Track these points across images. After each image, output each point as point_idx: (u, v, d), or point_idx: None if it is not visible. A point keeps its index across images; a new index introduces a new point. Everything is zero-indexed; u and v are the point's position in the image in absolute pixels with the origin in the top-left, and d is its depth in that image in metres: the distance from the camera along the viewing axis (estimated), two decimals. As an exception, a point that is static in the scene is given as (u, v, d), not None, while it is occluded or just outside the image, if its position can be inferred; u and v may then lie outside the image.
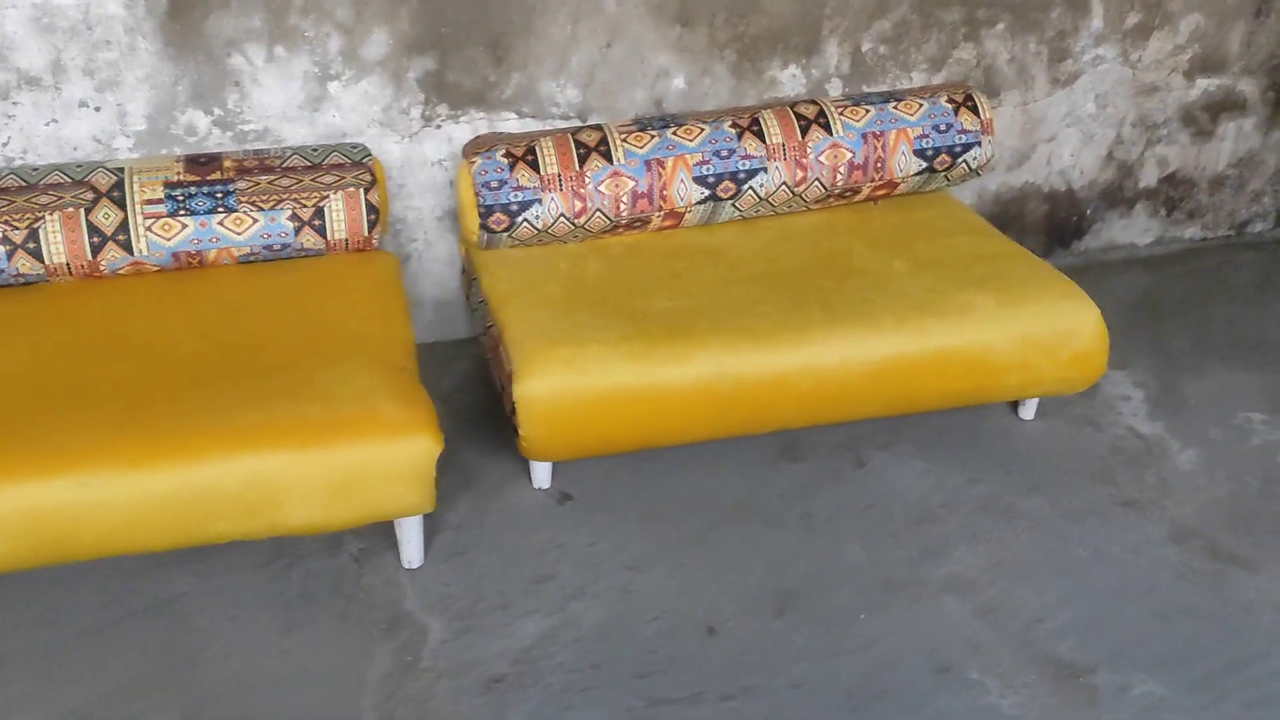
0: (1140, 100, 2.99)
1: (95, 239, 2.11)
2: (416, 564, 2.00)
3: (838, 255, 2.37)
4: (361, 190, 2.24)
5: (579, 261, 2.33)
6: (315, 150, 2.27)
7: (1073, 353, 2.23)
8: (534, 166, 2.27)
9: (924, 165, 2.49)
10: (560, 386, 1.98)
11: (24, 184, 2.11)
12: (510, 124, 2.52)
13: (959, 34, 2.73)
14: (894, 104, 2.48)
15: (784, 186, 2.42)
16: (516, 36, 2.41)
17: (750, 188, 2.40)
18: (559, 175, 2.28)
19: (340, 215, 2.23)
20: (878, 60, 2.70)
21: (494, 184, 2.26)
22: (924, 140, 2.47)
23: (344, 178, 2.23)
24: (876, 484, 2.26)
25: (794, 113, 2.43)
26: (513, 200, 2.27)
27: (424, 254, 2.61)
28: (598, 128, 2.36)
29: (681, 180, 2.35)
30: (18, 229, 2.07)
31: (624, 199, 2.32)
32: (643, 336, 2.07)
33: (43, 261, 2.10)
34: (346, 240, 2.26)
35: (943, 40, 2.73)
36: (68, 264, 2.12)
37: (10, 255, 2.07)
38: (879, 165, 2.46)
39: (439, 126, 2.47)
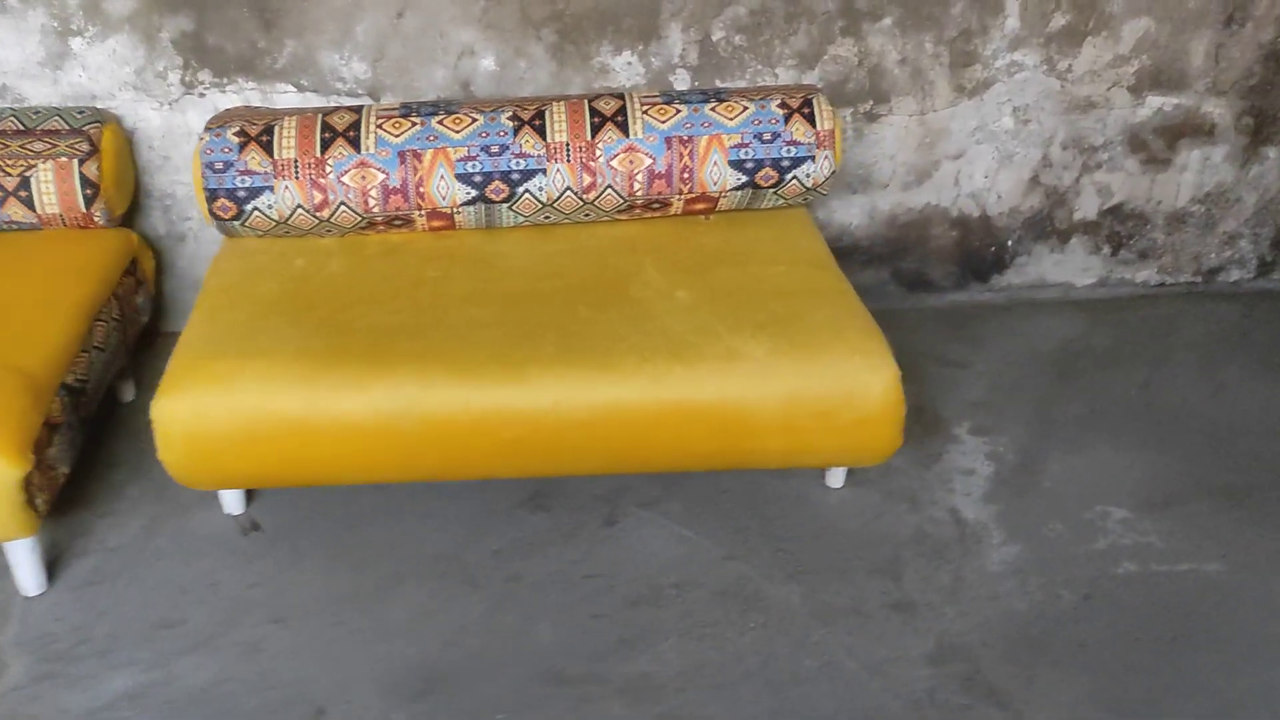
0: (1072, 118, 2.54)
1: None
2: (34, 591, 1.79)
3: (620, 277, 2.05)
4: (75, 161, 2.03)
5: (321, 259, 2.08)
6: (37, 113, 2.08)
7: (854, 420, 1.86)
8: (268, 149, 2.02)
9: (744, 179, 2.14)
10: (203, 407, 1.73)
11: None
12: (289, 98, 2.27)
13: (834, 27, 2.35)
14: (713, 105, 2.13)
15: (570, 193, 2.11)
16: (287, -1, 2.17)
17: (528, 191, 2.10)
18: (295, 161, 2.03)
19: (51, 188, 2.03)
20: (733, 52, 2.34)
21: (219, 165, 2.01)
22: (743, 150, 2.11)
23: (57, 145, 2.03)
24: (615, 549, 1.95)
25: (590, 108, 2.12)
26: (239, 185, 2.02)
27: (200, 234, 2.39)
28: (356, 110, 2.09)
29: (442, 177, 2.06)
30: None
31: (373, 193, 2.05)
32: (327, 355, 1.80)
33: None
34: (62, 216, 2.07)
35: (815, 33, 2.34)
36: None
37: None
38: (686, 176, 2.12)
39: (203, 95, 2.23)
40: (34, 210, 2.03)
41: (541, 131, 2.08)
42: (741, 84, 2.39)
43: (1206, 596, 1.90)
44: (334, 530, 1.97)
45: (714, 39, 2.32)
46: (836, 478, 2.12)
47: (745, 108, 2.13)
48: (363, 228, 2.11)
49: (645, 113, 2.11)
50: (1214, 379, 2.49)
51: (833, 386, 1.84)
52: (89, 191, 2.04)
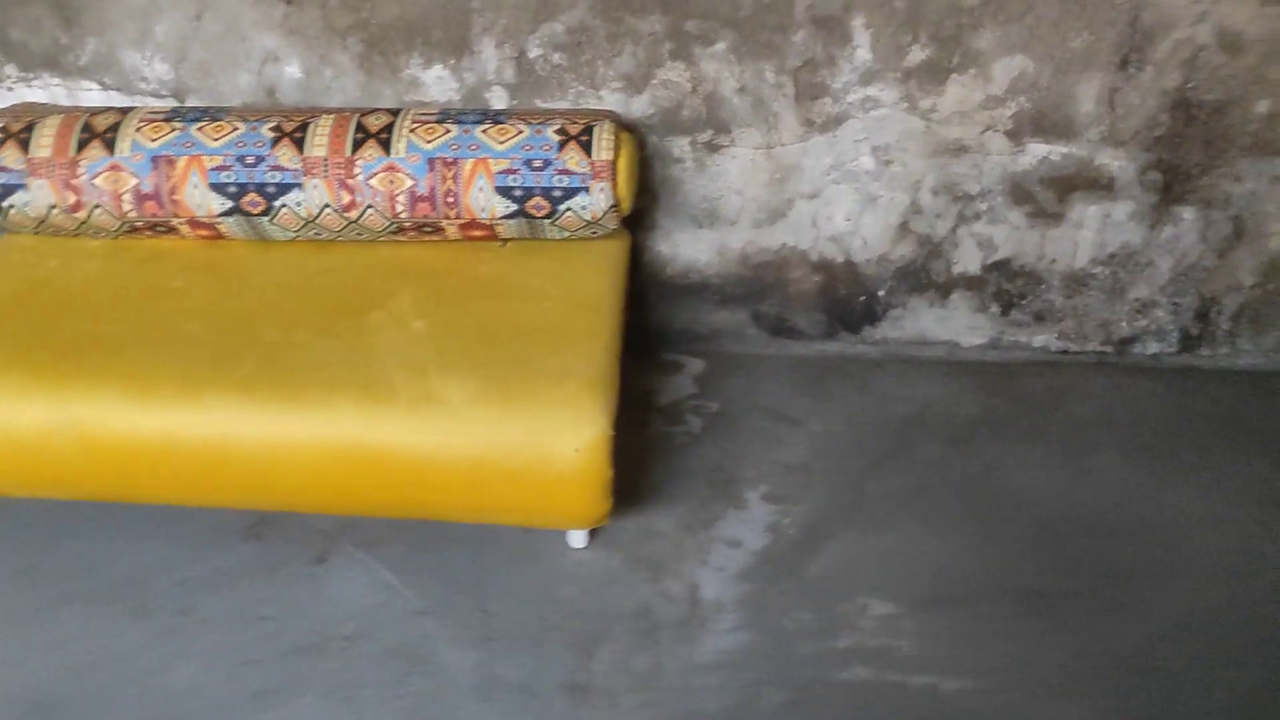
0: (941, 161, 2.29)
1: None
2: None
3: (367, 302, 1.95)
4: None
5: (77, 261, 2.05)
6: None
7: (545, 481, 1.71)
8: (25, 147, 2.00)
9: (514, 207, 2.00)
10: None
11: None
12: (93, 95, 2.25)
13: (662, 49, 2.17)
14: (487, 127, 2.00)
15: (330, 210, 2.01)
16: (85, -4, 2.14)
17: (286, 205, 2.01)
18: (50, 161, 2.00)
19: None
20: (552, 71, 2.20)
21: (-23, 162, 2.01)
22: (511, 176, 1.98)
23: None
24: (308, 590, 1.85)
25: (358, 123, 2.02)
26: (-4, 182, 2.01)
27: None
28: (124, 110, 2.05)
29: (195, 186, 2.00)
30: None
31: (127, 198, 2.01)
32: (6, 362, 1.76)
33: None
34: None
35: (641, 56, 2.18)
36: None
37: None
38: (451, 200, 1.99)
39: (10, 89, 2.24)
40: None
41: (301, 145, 1.99)
42: (564, 105, 2.24)
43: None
44: (36, 542, 1.93)
45: (530, 56, 2.19)
46: (578, 537, 1.96)
47: (520, 132, 1.99)
48: (125, 233, 2.08)
49: (412, 131, 2.00)
50: (1078, 464, 2.21)
51: (524, 442, 1.70)
52: None
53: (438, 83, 2.22)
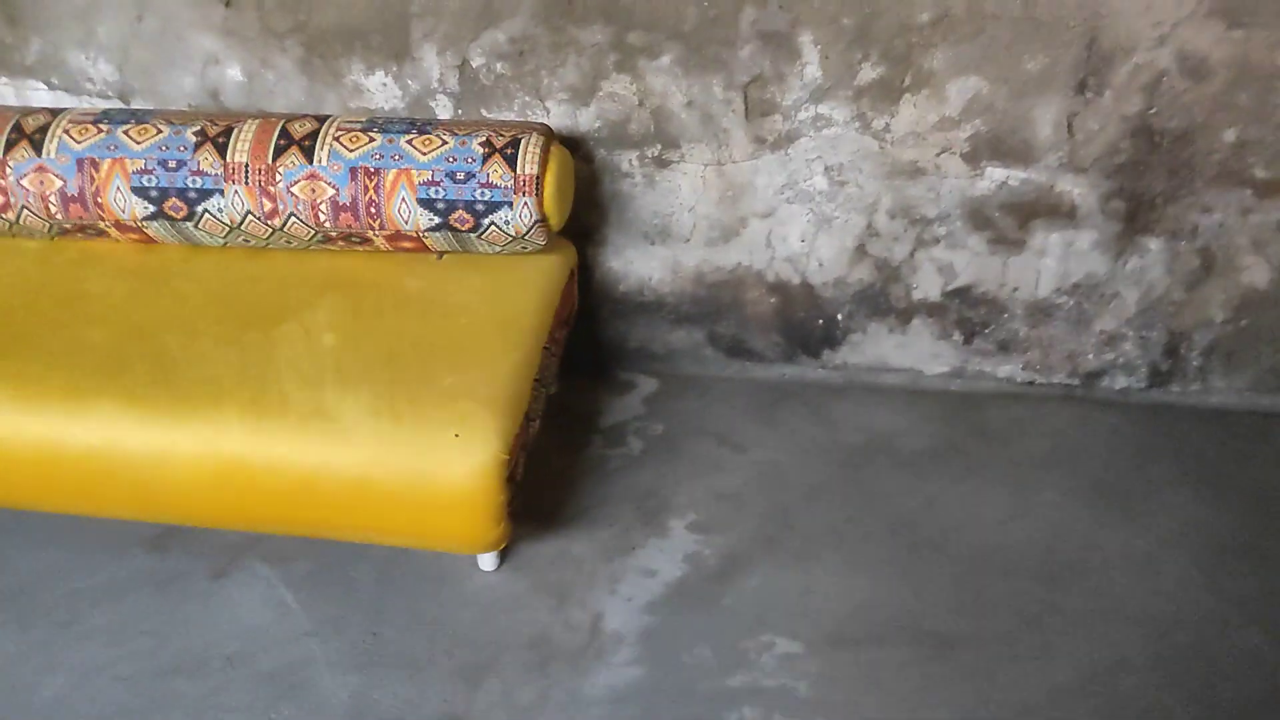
0: (897, 184, 2.21)
1: None
2: None
3: (283, 312, 1.92)
4: None
5: (4, 260, 2.05)
6: None
7: (436, 505, 1.67)
8: (-45, 145, 2.01)
9: (437, 220, 1.96)
10: None
11: None
12: (40, 95, 2.25)
13: (607, 61, 2.12)
14: (412, 137, 1.96)
15: (253, 217, 1.99)
16: (27, -5, 2.14)
17: (208, 211, 1.99)
18: (-24, 161, 2.00)
19: None
20: (496, 80, 2.16)
21: (-91, 159, 2.02)
22: (434, 189, 1.94)
23: None
24: (200, 606, 1.82)
25: (283, 129, 1.99)
26: (-76, 180, 2.02)
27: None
28: (56, 112, 2.04)
29: (119, 189, 1.98)
30: None
31: (53, 199, 2.00)
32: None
33: None
34: None
35: (585, 67, 2.13)
36: None
37: None
38: (373, 211, 1.96)
39: (-41, 86, 2.25)
40: None
41: (223, 150, 1.97)
42: (510, 115, 2.20)
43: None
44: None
45: (473, 64, 2.15)
46: (487, 560, 1.91)
47: (444, 143, 1.95)
48: (64, 233, 2.07)
49: (336, 139, 1.97)
50: (1022, 501, 2.12)
51: (411, 463, 1.66)
52: None
53: (381, 89, 2.19)
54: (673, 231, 2.32)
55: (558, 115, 2.19)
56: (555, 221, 2.01)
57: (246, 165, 1.96)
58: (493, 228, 1.97)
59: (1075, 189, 2.18)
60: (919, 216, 2.25)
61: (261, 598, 1.83)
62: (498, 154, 1.94)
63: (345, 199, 1.95)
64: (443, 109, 2.20)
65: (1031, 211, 2.22)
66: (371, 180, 1.94)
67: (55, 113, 2.04)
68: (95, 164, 1.98)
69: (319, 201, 1.96)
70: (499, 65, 2.15)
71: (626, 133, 2.20)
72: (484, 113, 2.20)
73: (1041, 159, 2.16)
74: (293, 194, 1.96)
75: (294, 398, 1.71)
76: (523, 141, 1.95)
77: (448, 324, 1.91)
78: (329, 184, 1.95)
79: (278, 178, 1.96)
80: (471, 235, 1.98)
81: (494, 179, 1.93)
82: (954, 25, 2.03)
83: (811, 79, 2.11)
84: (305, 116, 2.02)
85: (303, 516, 1.71)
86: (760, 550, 1.98)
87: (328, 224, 1.98)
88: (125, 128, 2.00)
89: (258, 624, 1.78)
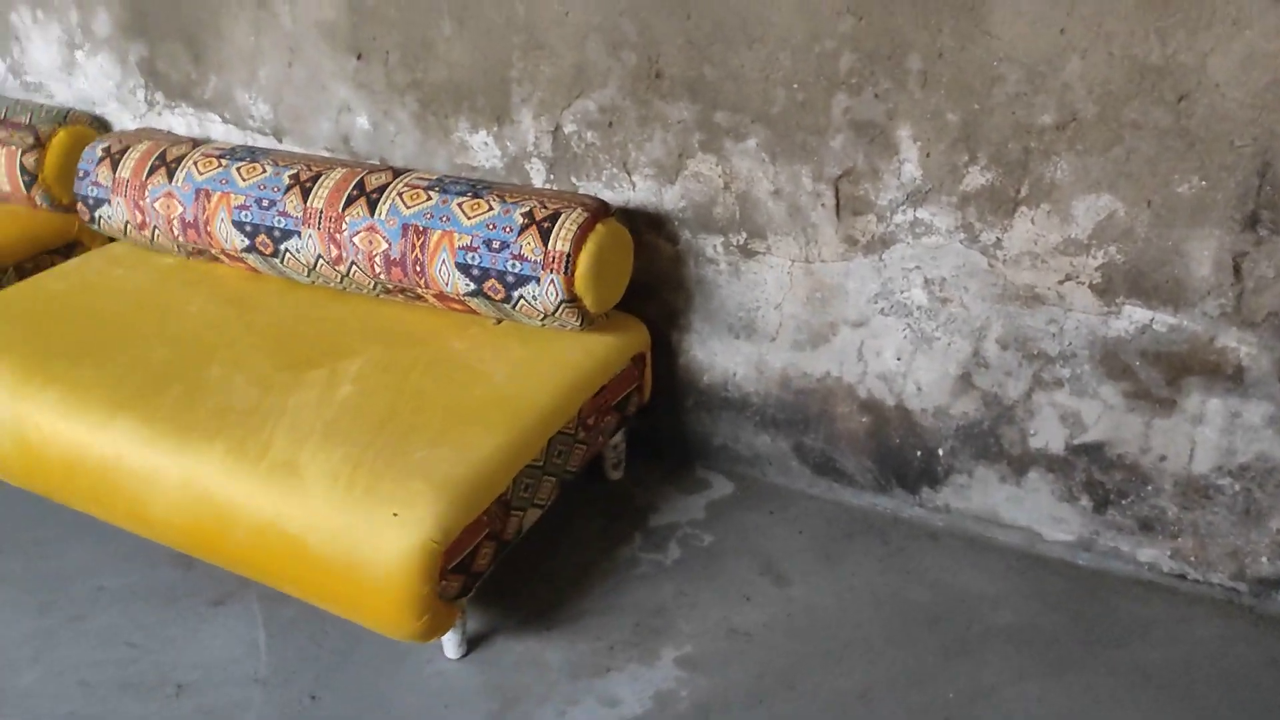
0: (1010, 310, 1.87)
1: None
2: None
3: (320, 357, 1.99)
4: (19, 151, 2.45)
5: (138, 273, 2.30)
6: (48, 113, 2.52)
7: (367, 584, 1.63)
8: (115, 166, 2.27)
9: (473, 286, 1.94)
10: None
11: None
12: (215, 126, 2.50)
13: (692, 139, 1.99)
14: (464, 200, 1.95)
15: (323, 261, 2.08)
16: (209, 36, 2.39)
17: (289, 250, 2.10)
18: (128, 181, 2.25)
19: (3, 171, 2.48)
20: (586, 149, 2.10)
21: (82, 174, 2.32)
22: (471, 254, 1.92)
23: (12, 135, 2.47)
24: (185, 630, 1.92)
25: (360, 181, 2.05)
26: (90, 194, 2.31)
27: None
28: (196, 144, 2.25)
29: (223, 220, 2.15)
30: None
31: (176, 224, 2.21)
32: None
33: None
34: (10, 193, 2.51)
35: (671, 143, 2.01)
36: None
37: None
38: (419, 269, 1.97)
39: (160, 114, 2.55)
40: (-5, 184, 2.52)
41: (306, 194, 2.07)
42: (597, 185, 2.13)
43: None
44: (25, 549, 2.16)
45: (566, 131, 2.11)
46: (451, 646, 1.84)
47: (490, 209, 1.93)
48: (191, 253, 2.28)
49: (400, 195, 2.01)
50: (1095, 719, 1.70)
51: (348, 534, 1.64)
52: (27, 178, 2.47)
53: (484, 149, 2.22)
54: (758, 327, 2.13)
55: (643, 191, 2.10)
56: (592, 303, 1.92)
57: (321, 211, 2.06)
58: (522, 301, 1.92)
59: (1243, 347, 1.74)
60: (1037, 352, 1.90)
61: (239, 634, 1.91)
62: (535, 226, 1.89)
63: (396, 254, 2.00)
64: (536, 173, 2.19)
65: (1184, 366, 1.80)
66: (419, 239, 1.97)
67: (197, 144, 2.27)
68: (208, 195, 2.17)
69: (375, 254, 2.02)
70: (589, 134, 2.09)
71: (711, 216, 2.06)
72: (574, 180, 2.16)
73: (1197, 304, 1.74)
74: (354, 243, 2.03)
75: (275, 446, 1.76)
76: (563, 216, 1.89)
77: (462, 393, 1.88)
78: (384, 237, 2.00)
79: (344, 226, 2.04)
80: (506, 305, 1.95)
81: (525, 252, 1.88)
82: (1083, 132, 1.70)
83: (910, 178, 1.85)
84: (386, 169, 2.09)
85: (258, 564, 1.76)
86: (744, 707, 1.75)
87: (382, 276, 2.04)
88: (240, 165, 2.18)
89: (222, 658, 1.86)
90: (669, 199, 2.09)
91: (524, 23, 2.05)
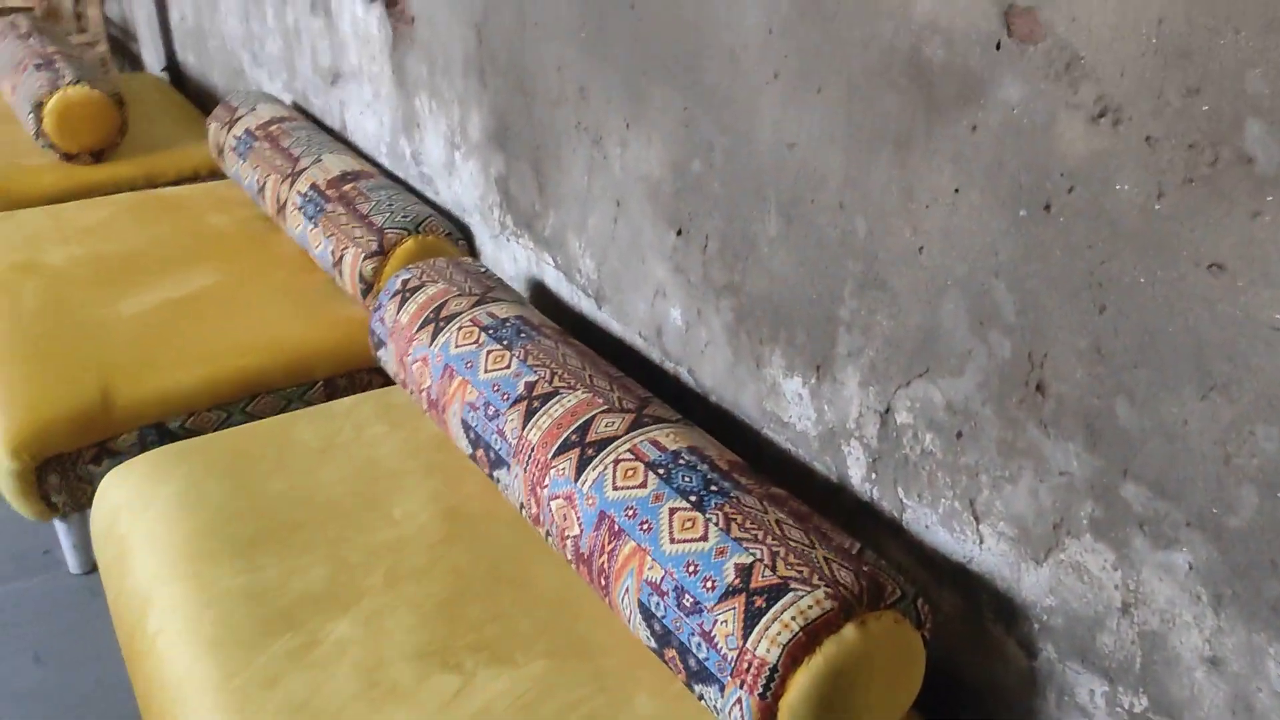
0: None
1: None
2: None
3: (478, 648, 1.46)
4: (362, 255, 2.24)
5: (397, 432, 1.94)
6: (406, 215, 2.30)
7: None
8: (401, 305, 1.94)
9: (654, 644, 1.28)
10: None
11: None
12: (548, 270, 2.06)
13: (1080, 509, 1.13)
14: (684, 507, 1.29)
15: (523, 508, 1.54)
16: (550, 164, 1.97)
17: (499, 479, 1.60)
18: (403, 329, 1.90)
19: (346, 274, 2.28)
20: (922, 456, 1.32)
21: (379, 304, 2.01)
22: (657, 598, 1.26)
23: (364, 236, 2.26)
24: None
25: (590, 419, 1.47)
26: (376, 329, 2.00)
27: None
28: (484, 297, 1.83)
29: (455, 414, 1.71)
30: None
31: (424, 397, 1.81)
32: (256, 532, 1.76)
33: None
34: (352, 298, 2.32)
35: (1045, 501, 1.17)
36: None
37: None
38: (603, 580, 1.36)
39: (507, 240, 2.18)
40: (342, 279, 2.34)
41: (529, 416, 1.55)
42: (929, 516, 1.33)
43: None
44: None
45: (898, 419, 1.34)
46: None
47: (703, 536, 1.25)
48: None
49: (618, 462, 1.40)
50: None
51: None
52: (363, 286, 2.25)
53: (796, 401, 1.52)
54: None
55: (995, 555, 1.27)
56: (810, 745, 1.16)
57: (533, 449, 1.53)
58: (703, 700, 1.22)
59: None
60: None
61: None
62: (745, 594, 1.18)
63: (585, 547, 1.40)
64: (854, 462, 1.45)
65: None
66: (610, 543, 1.35)
67: (484, 298, 1.86)
68: (451, 376, 1.75)
69: (567, 534, 1.44)
70: (928, 436, 1.31)
71: (1093, 643, 1.18)
72: (900, 493, 1.39)
73: None
74: (551, 509, 1.47)
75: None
76: (794, 593, 1.15)
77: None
78: (578, 519, 1.42)
79: (547, 480, 1.49)
80: (690, 689, 1.26)
81: (716, 632, 1.18)
82: None
83: None
84: (622, 413, 1.49)
85: None
86: None
87: (570, 560, 1.45)
88: (492, 348, 1.73)
89: None
90: (1030, 585, 1.25)
91: (863, 247, 1.34)
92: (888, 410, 1.38)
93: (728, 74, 1.48)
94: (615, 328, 1.92)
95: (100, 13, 5.14)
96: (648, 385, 1.77)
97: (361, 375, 2.33)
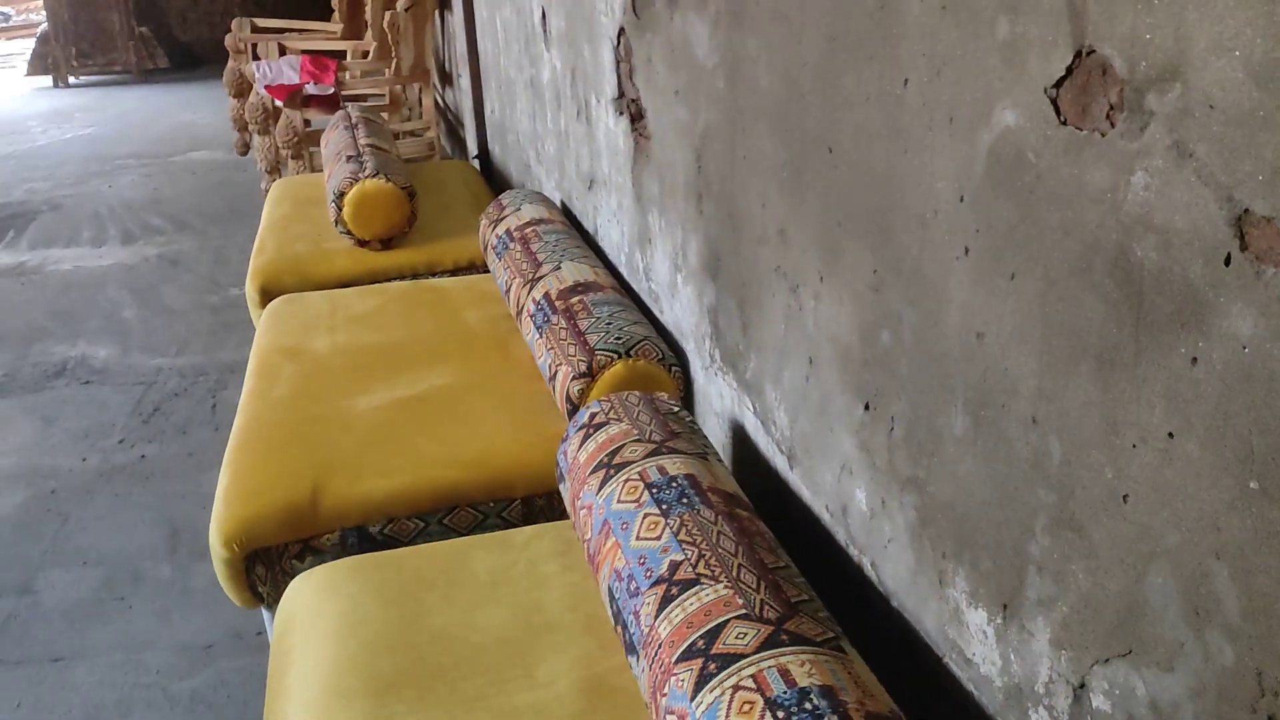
0: None
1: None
2: None
3: None
4: (572, 375, 2.10)
5: (566, 577, 1.77)
6: (621, 337, 2.15)
7: None
8: (583, 442, 1.77)
9: None
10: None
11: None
12: (748, 416, 1.83)
13: None
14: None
15: (646, 701, 1.31)
16: (753, 305, 1.74)
17: (632, 664, 1.39)
18: (579, 469, 1.73)
19: (558, 391, 2.16)
20: (1117, 757, 0.97)
21: (567, 435, 1.86)
22: None
23: (575, 355, 2.13)
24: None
25: (720, 625, 1.23)
26: (560, 463, 1.84)
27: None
28: (661, 447, 1.63)
29: (605, 577, 1.51)
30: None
31: (585, 540, 1.64)
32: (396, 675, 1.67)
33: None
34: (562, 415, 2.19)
35: None
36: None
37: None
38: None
39: (715, 375, 1.97)
40: (556, 395, 2.22)
41: (663, 604, 1.33)
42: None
43: None
44: None
45: (1093, 702, 1.01)
46: None
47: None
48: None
49: (736, 689, 1.14)
50: None
51: None
52: (569, 407, 2.12)
53: (980, 640, 1.21)
54: None
55: None
56: None
57: (660, 644, 1.31)
58: None
59: None
60: None
61: None
62: None
63: (687, 785, 1.16)
64: (1045, 733, 1.11)
65: None
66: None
67: (655, 453, 1.66)
68: (607, 534, 1.56)
69: (676, 757, 1.20)
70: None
71: None
72: (1095, 797, 1.04)
73: None
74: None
75: None
76: None
77: None
78: (687, 747, 1.17)
79: (666, 688, 1.26)
80: None
81: None
82: None
83: None
84: (764, 623, 1.23)
85: None
86: None
87: (680, 797, 1.21)
88: (650, 511, 1.52)
89: None
90: None
91: (1057, 476, 1.02)
92: (1082, 686, 1.05)
93: (916, 240, 1.21)
94: (805, 494, 1.66)
95: (434, 102, 5.48)
96: (829, 570, 1.51)
97: (559, 496, 2.20)
